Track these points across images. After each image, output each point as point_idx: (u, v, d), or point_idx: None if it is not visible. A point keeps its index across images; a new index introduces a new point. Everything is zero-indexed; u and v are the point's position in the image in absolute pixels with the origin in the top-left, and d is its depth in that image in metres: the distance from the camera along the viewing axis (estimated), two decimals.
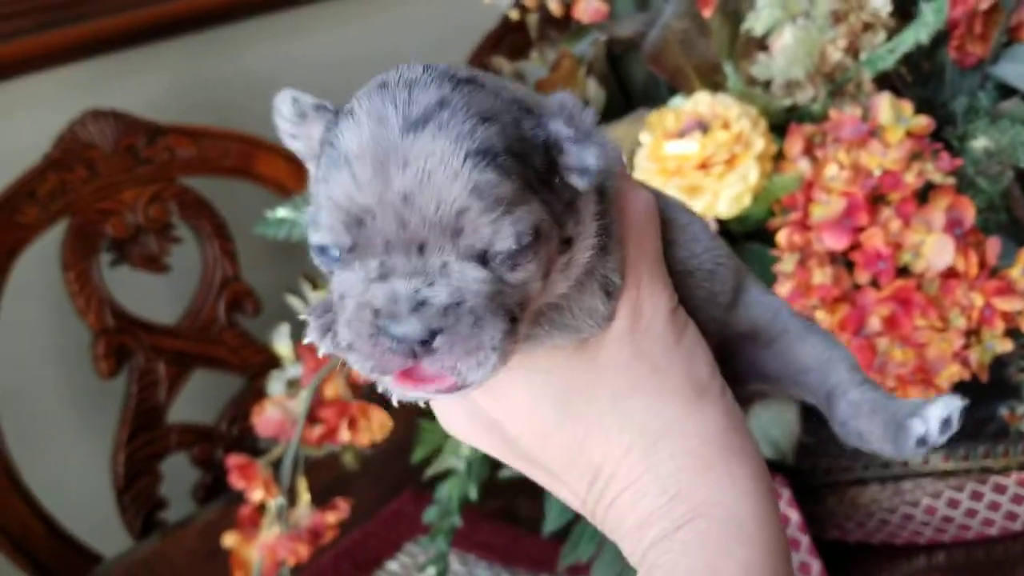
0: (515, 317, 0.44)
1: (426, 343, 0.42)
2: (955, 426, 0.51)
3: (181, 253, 1.43)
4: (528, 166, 0.44)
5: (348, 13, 1.62)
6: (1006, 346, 0.91)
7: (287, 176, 1.46)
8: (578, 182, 0.46)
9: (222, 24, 1.49)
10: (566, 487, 0.54)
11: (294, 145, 0.49)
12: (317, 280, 1.14)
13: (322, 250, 0.44)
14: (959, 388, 0.93)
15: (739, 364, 0.59)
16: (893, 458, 1.07)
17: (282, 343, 1.11)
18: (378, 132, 0.42)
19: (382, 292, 0.42)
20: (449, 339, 0.42)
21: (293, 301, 1.15)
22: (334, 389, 1.03)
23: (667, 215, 0.56)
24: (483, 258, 0.43)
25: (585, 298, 0.50)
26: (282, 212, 1.01)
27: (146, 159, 1.39)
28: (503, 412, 0.53)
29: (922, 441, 0.51)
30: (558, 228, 0.45)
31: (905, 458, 0.54)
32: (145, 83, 1.46)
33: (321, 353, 0.51)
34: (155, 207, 1.40)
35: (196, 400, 1.44)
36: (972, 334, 0.91)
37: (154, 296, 1.44)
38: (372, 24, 1.66)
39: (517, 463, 0.56)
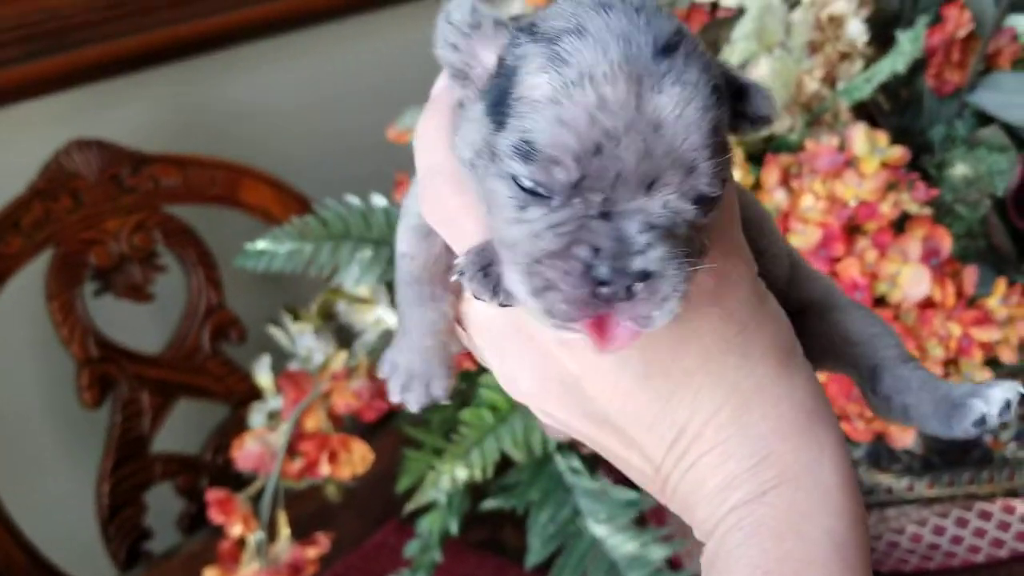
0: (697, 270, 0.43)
1: (631, 289, 0.41)
2: (1013, 411, 0.50)
3: (166, 282, 1.43)
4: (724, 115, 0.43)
5: (331, 40, 1.63)
6: (985, 376, 0.90)
7: (273, 203, 1.45)
8: (747, 128, 0.46)
9: (206, 52, 1.49)
10: (639, 452, 0.51)
11: (450, 57, 0.46)
12: (298, 311, 1.14)
13: (523, 183, 0.42)
14: None
15: None
16: (946, 432, 1.07)
17: (263, 375, 1.11)
18: (627, 51, 0.40)
19: (606, 232, 0.41)
20: (653, 291, 0.41)
21: (275, 332, 1.15)
22: (315, 421, 1.03)
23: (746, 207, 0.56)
24: (698, 200, 0.42)
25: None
26: (262, 244, 1.01)
27: (131, 188, 1.39)
28: (585, 366, 0.50)
29: (981, 421, 0.51)
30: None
31: (958, 437, 0.54)
32: (130, 112, 1.46)
33: (415, 409, 0.50)
34: (139, 236, 1.40)
35: (181, 429, 1.44)
36: (951, 364, 0.91)
37: (138, 325, 1.44)
38: (356, 51, 1.66)
39: (587, 427, 0.53)
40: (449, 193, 0.50)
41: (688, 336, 0.49)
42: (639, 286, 0.41)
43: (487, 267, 0.45)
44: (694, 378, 0.49)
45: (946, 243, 0.89)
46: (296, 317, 1.12)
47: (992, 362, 0.91)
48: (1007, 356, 0.90)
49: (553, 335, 0.46)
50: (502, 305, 0.45)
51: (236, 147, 1.49)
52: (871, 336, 0.57)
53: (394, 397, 0.55)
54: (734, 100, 0.45)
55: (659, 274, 0.41)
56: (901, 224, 0.91)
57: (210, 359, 1.45)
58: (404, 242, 0.56)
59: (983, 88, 0.99)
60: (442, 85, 0.55)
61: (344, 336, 1.10)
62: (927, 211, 0.89)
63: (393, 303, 1.06)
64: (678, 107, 0.40)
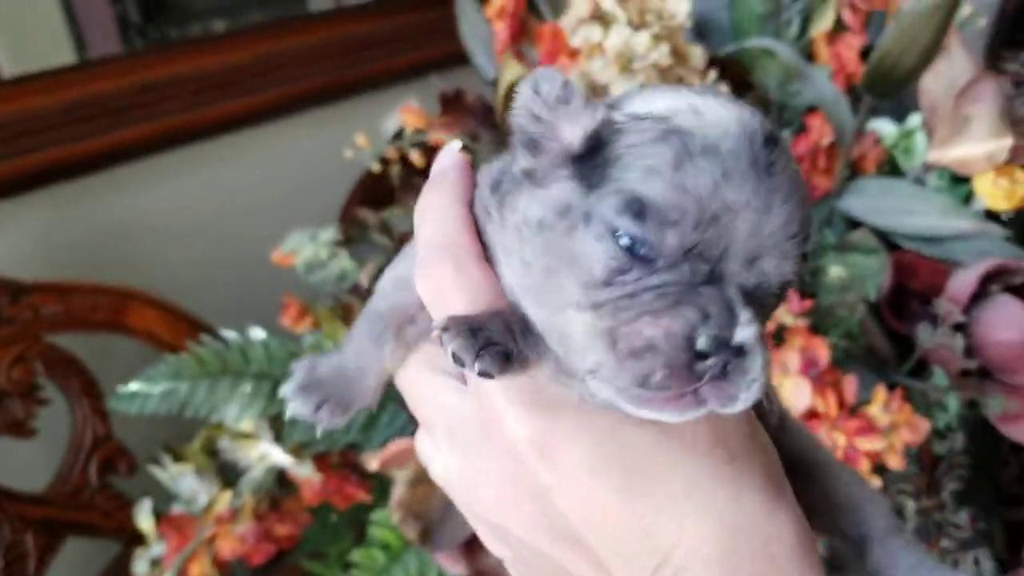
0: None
1: (726, 367, 0.40)
2: None
3: (49, 415, 1.36)
4: None
5: (214, 158, 1.60)
6: (875, 483, 0.90)
7: (160, 327, 1.41)
8: None
9: (82, 175, 1.46)
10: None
11: (530, 127, 0.45)
12: (180, 449, 1.10)
13: (634, 246, 0.41)
14: None
15: None
16: None
17: (144, 519, 1.06)
18: (745, 132, 0.41)
19: (714, 298, 0.40)
20: (741, 371, 0.40)
21: (156, 472, 1.11)
22: (200, 568, 0.98)
23: None
24: (783, 287, 0.43)
25: None
26: (135, 386, 0.97)
27: (9, 319, 1.33)
28: (559, 478, 0.46)
29: None
30: None
31: None
32: (6, 239, 1.42)
33: (469, 366, 0.45)
34: (19, 369, 1.34)
35: (69, 570, 1.36)
36: None
37: (20, 462, 1.37)
38: (235, 169, 1.64)
39: (555, 546, 0.49)
40: (448, 271, 0.48)
41: (676, 458, 0.46)
42: (733, 363, 0.40)
43: (476, 330, 0.43)
44: (679, 505, 0.46)
45: (823, 353, 0.89)
46: (176, 457, 1.07)
47: (880, 468, 0.91)
48: (894, 463, 0.90)
49: (631, 409, 0.42)
50: (482, 374, 0.42)
51: (119, 270, 1.45)
52: (861, 502, 0.54)
53: (298, 410, 0.52)
54: None
55: (753, 353, 0.40)
56: (779, 335, 0.91)
57: (98, 494, 1.38)
58: (385, 281, 0.55)
59: (850, 194, 1.01)
60: (451, 160, 0.52)
61: (229, 473, 1.06)
62: (803, 322, 0.89)
63: (277, 438, 1.03)
64: (787, 193, 0.41)
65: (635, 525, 0.46)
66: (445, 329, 0.43)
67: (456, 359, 0.42)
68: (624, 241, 0.41)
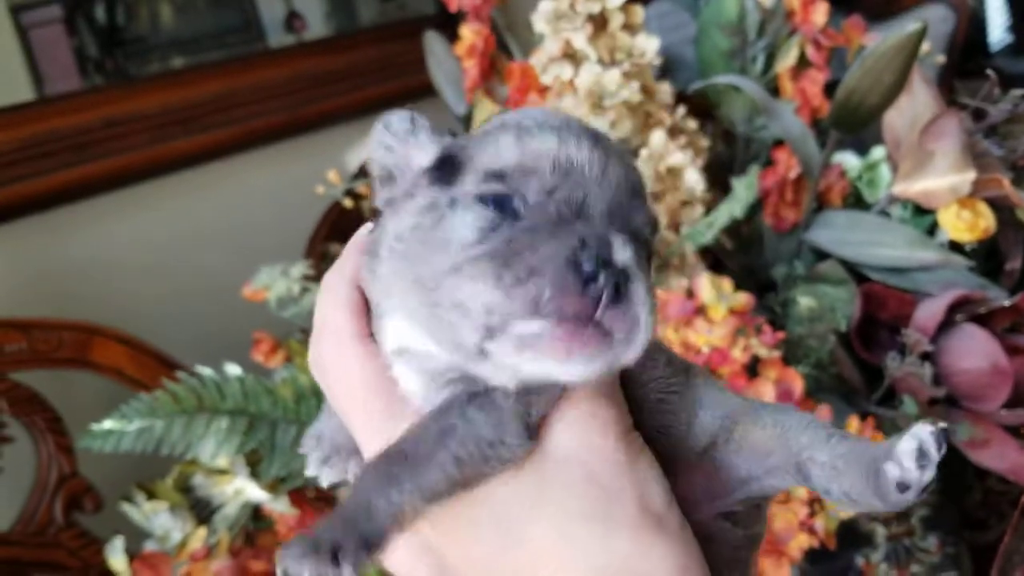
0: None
1: (616, 294, 0.41)
2: (934, 455, 0.46)
3: (13, 453, 1.34)
4: None
5: (178, 192, 1.59)
6: (849, 513, 0.92)
7: (126, 363, 1.39)
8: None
9: (49, 209, 1.44)
10: None
11: (384, 158, 0.48)
12: (152, 486, 1.09)
13: (484, 200, 0.43)
14: (811, 552, 0.94)
15: (716, 482, 0.54)
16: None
17: (116, 558, 1.04)
18: (565, 120, 0.46)
19: (586, 228, 0.42)
20: (633, 297, 0.41)
21: (128, 509, 1.09)
22: None
23: None
24: (644, 244, 0.46)
25: (513, 426, 0.46)
26: (109, 423, 0.96)
27: None
28: (442, 536, 0.48)
29: (903, 486, 0.46)
30: None
31: (896, 509, 0.49)
32: None
33: (326, 484, 0.50)
34: None
35: None
36: (815, 502, 0.92)
37: None
38: (199, 204, 1.63)
39: None
40: (329, 351, 0.51)
41: (547, 500, 0.46)
42: (624, 287, 0.41)
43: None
44: (554, 547, 0.46)
45: (798, 384, 0.91)
46: (150, 495, 1.06)
47: None
48: None
49: (537, 364, 0.42)
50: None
51: (83, 306, 1.44)
52: (781, 434, 0.52)
53: (310, 470, 0.53)
54: None
55: (636, 277, 0.42)
56: (754, 367, 0.92)
57: (64, 532, 1.35)
58: None
59: (817, 226, 1.03)
60: (353, 241, 0.54)
61: (203, 510, 1.05)
62: (776, 354, 0.91)
63: (252, 474, 1.02)
64: (618, 157, 0.45)
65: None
66: (284, 570, 0.42)
67: None
68: (490, 202, 0.44)
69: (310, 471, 0.54)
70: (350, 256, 0.52)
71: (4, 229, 1.42)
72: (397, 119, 0.48)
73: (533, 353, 0.41)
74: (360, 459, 0.55)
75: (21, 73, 1.48)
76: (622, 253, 0.42)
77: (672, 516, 0.49)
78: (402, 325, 0.48)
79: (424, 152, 0.47)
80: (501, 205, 0.43)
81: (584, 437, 0.47)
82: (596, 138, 0.46)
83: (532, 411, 0.47)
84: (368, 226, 0.52)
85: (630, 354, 0.42)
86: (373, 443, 0.49)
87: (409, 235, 0.46)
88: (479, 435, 0.45)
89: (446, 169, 0.46)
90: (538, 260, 0.41)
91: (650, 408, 0.53)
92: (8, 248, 1.44)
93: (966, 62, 2.01)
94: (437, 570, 0.50)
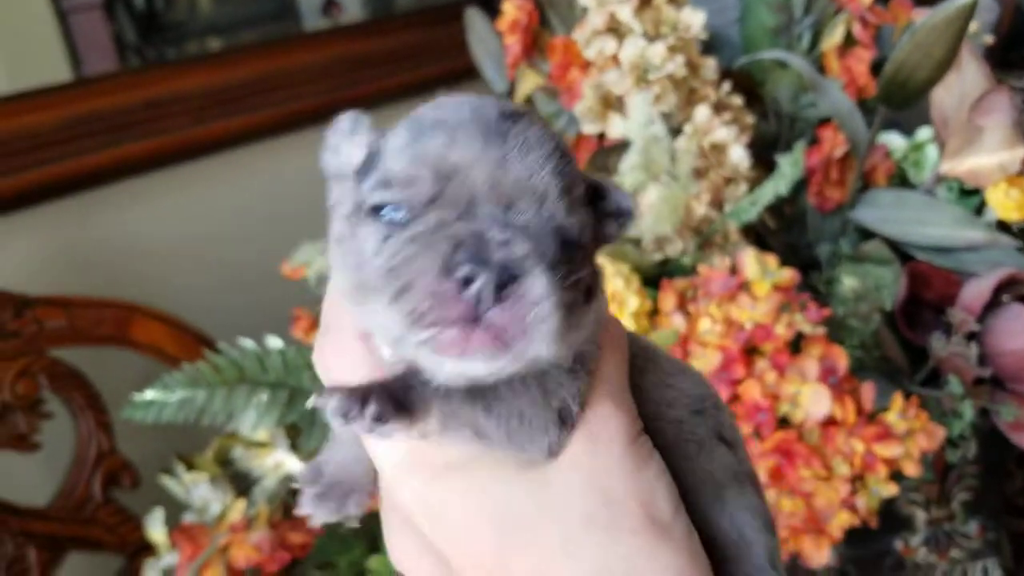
0: (560, 307, 0.42)
1: (500, 291, 0.40)
2: None
3: (52, 429, 1.35)
4: (582, 193, 0.46)
5: (218, 173, 1.61)
6: (891, 490, 0.91)
7: (166, 341, 1.40)
8: (612, 228, 0.48)
9: (89, 189, 1.46)
10: None
11: (330, 160, 0.49)
12: (192, 458, 1.09)
13: (379, 210, 0.44)
14: (849, 535, 0.93)
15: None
16: None
17: (156, 529, 1.05)
18: (475, 112, 0.45)
19: (467, 228, 0.42)
20: (520, 293, 0.41)
21: (168, 483, 1.10)
22: None
23: (643, 349, 0.54)
24: (558, 235, 0.44)
25: (546, 414, 0.46)
26: (151, 394, 0.97)
27: (12, 333, 1.32)
28: (441, 536, 0.47)
29: None
30: (590, 263, 0.46)
31: None
32: (10, 253, 1.41)
33: (319, 523, 0.49)
34: (23, 382, 1.33)
35: None
36: (857, 480, 0.91)
37: (24, 477, 1.36)
38: (243, 184, 1.64)
39: None
40: (331, 350, 0.50)
41: (548, 505, 0.46)
42: (511, 289, 0.40)
43: (322, 483, 0.47)
44: (553, 554, 0.45)
45: (842, 361, 0.90)
46: (190, 466, 1.06)
47: (897, 475, 0.92)
48: (911, 470, 0.91)
49: (436, 362, 0.43)
50: (376, 420, 0.43)
51: (125, 285, 1.45)
52: (740, 538, 0.52)
53: (303, 508, 0.51)
54: (595, 200, 0.48)
55: (527, 275, 0.41)
56: (797, 344, 0.92)
57: (101, 508, 1.37)
58: None
59: (862, 205, 1.02)
60: None
61: (242, 483, 1.05)
62: (821, 330, 0.90)
63: (292, 447, 1.02)
64: (523, 150, 0.43)
65: None
66: (318, 396, 0.44)
67: (344, 416, 0.43)
68: (382, 213, 0.44)
69: (303, 509, 0.52)
70: None
71: (45, 209, 1.43)
72: (344, 120, 0.49)
73: (433, 359, 0.42)
74: (361, 497, 0.55)
75: (61, 58, 1.50)
76: (506, 250, 0.41)
77: (679, 524, 0.48)
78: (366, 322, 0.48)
79: (359, 148, 0.48)
80: (390, 216, 0.44)
81: (590, 442, 0.47)
82: (500, 133, 0.44)
83: (571, 403, 0.47)
84: None
85: (536, 348, 0.42)
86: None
87: (336, 244, 0.47)
88: (512, 402, 0.45)
89: (365, 167, 0.47)
90: (412, 273, 0.41)
91: (669, 419, 0.53)
92: (49, 227, 1.46)
93: (1008, 53, 1.98)
94: (440, 568, 0.49)
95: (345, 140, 0.49)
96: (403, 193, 0.43)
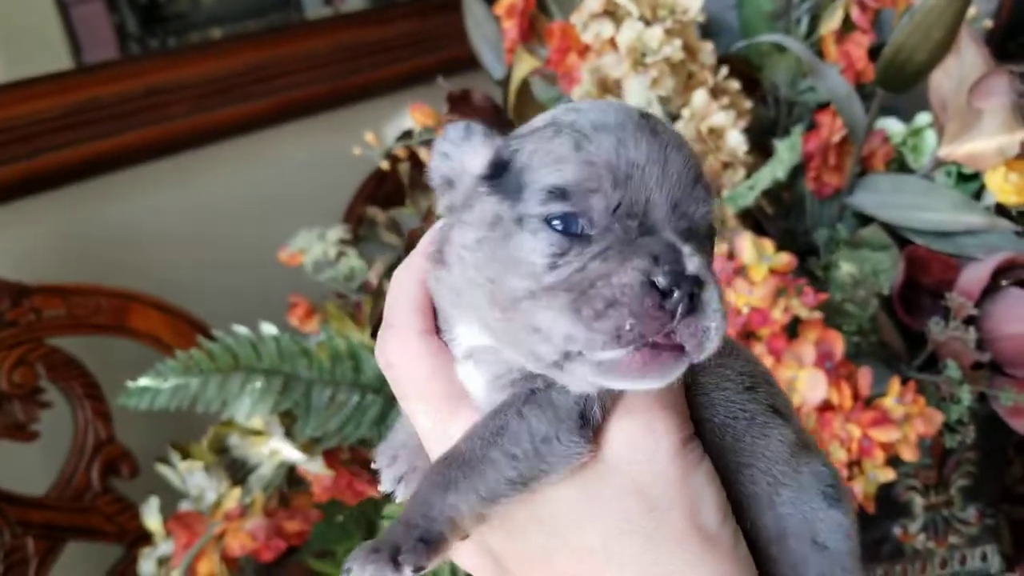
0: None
1: (692, 300, 0.41)
2: None
3: (50, 418, 1.35)
4: None
5: (218, 161, 1.60)
6: (888, 475, 0.90)
7: (163, 330, 1.40)
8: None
9: (86, 178, 1.45)
10: None
11: (441, 165, 0.49)
12: (188, 447, 1.09)
13: (566, 222, 0.43)
14: None
15: None
16: None
17: (152, 518, 1.05)
18: (620, 112, 0.45)
19: (654, 242, 0.42)
20: (705, 301, 0.42)
21: (164, 471, 1.10)
22: (208, 566, 0.98)
23: None
24: (709, 233, 0.46)
25: (569, 424, 0.46)
26: (145, 381, 0.96)
27: (10, 321, 1.32)
28: (495, 534, 0.49)
29: None
30: None
31: None
32: (7, 242, 1.41)
33: (399, 498, 0.50)
34: (21, 371, 1.33)
35: (71, 574, 1.35)
36: (854, 465, 0.90)
37: (22, 466, 1.36)
38: (242, 173, 1.64)
39: None
40: (393, 347, 0.51)
41: (591, 510, 0.46)
42: (697, 296, 0.41)
43: (377, 549, 0.44)
44: (595, 558, 0.46)
45: (838, 346, 0.90)
46: (185, 454, 1.06)
47: (894, 461, 0.91)
48: (908, 455, 0.90)
49: (612, 382, 0.43)
50: (417, 571, 0.44)
51: (122, 273, 1.44)
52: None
53: (385, 486, 0.54)
54: None
55: (709, 283, 0.42)
56: (794, 328, 0.91)
57: (100, 497, 1.37)
58: None
59: (860, 190, 1.02)
60: (426, 237, 0.55)
61: (238, 471, 1.05)
62: (817, 315, 0.90)
63: (287, 434, 1.02)
64: (676, 145, 0.45)
65: None
66: (348, 570, 0.44)
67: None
68: (557, 224, 0.43)
69: (384, 487, 0.55)
70: (418, 255, 0.53)
71: (45, 197, 1.43)
72: (452, 128, 0.49)
73: (612, 375, 0.42)
74: None
75: (63, 49, 1.49)
76: (692, 261, 0.42)
77: (725, 532, 0.48)
78: (473, 330, 0.49)
79: (478, 156, 0.48)
80: (567, 225, 0.43)
81: (638, 448, 0.47)
82: (653, 130, 0.45)
83: (593, 408, 0.47)
84: (437, 226, 0.53)
85: (700, 358, 0.43)
86: (434, 440, 0.50)
87: (476, 247, 0.46)
88: (533, 431, 0.45)
89: (501, 175, 0.46)
90: (614, 291, 0.41)
91: (712, 428, 0.52)
92: (49, 215, 1.46)
93: (1007, 41, 1.97)
94: (496, 568, 0.51)
95: (457, 147, 0.49)
96: (584, 202, 0.43)
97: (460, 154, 0.48)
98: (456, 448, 0.47)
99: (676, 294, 0.41)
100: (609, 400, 0.47)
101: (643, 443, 0.47)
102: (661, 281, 0.41)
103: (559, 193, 0.43)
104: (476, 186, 0.47)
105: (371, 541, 0.45)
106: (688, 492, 0.47)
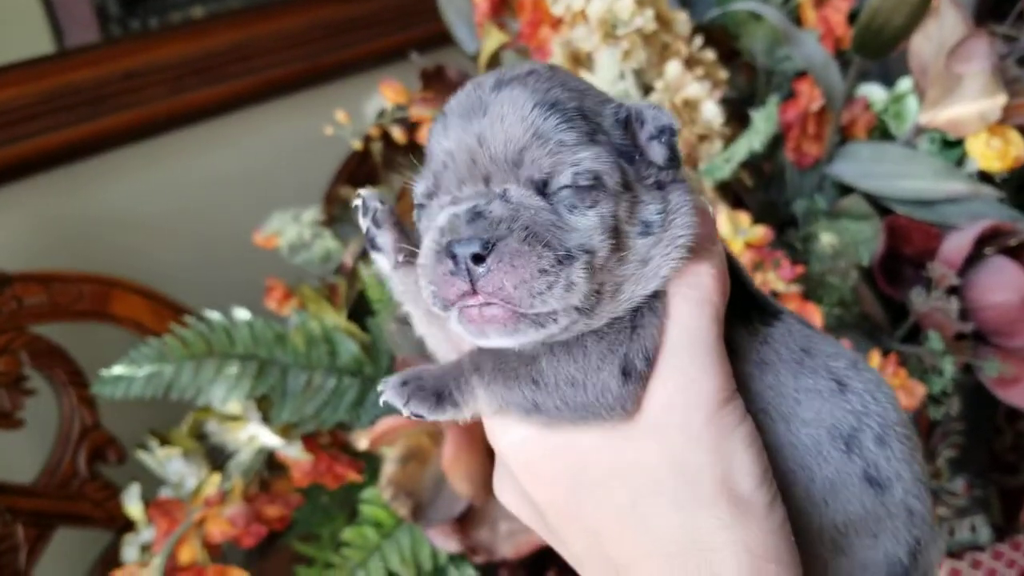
0: (572, 256, 0.44)
1: (480, 259, 0.44)
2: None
3: (35, 405, 1.35)
4: (601, 130, 0.47)
5: (191, 145, 1.58)
6: None
7: (145, 315, 1.39)
8: (658, 150, 0.49)
9: (66, 164, 1.44)
10: (589, 572, 0.51)
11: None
12: (166, 433, 1.08)
13: (418, 206, 0.50)
14: None
15: None
16: None
17: (133, 505, 1.04)
18: (472, 92, 0.49)
19: (446, 214, 0.46)
20: (501, 256, 0.43)
21: (144, 457, 1.09)
22: (190, 552, 0.97)
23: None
24: (542, 189, 0.46)
25: (602, 375, 0.46)
26: (119, 369, 0.95)
27: None
28: (528, 484, 0.51)
29: None
30: (631, 195, 0.47)
31: None
32: None
33: (407, 413, 0.50)
34: (5, 359, 1.32)
35: (61, 561, 1.35)
36: None
37: (9, 454, 1.35)
38: (217, 155, 1.62)
39: (550, 539, 0.54)
40: None
41: (622, 471, 0.47)
42: (493, 256, 0.43)
43: (406, 381, 0.50)
44: (623, 517, 0.47)
45: (817, 318, 0.88)
46: (163, 441, 1.05)
47: None
48: None
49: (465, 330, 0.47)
50: (415, 416, 0.50)
51: (103, 258, 1.43)
52: None
53: (398, 404, 0.52)
54: (632, 126, 0.49)
55: (505, 242, 0.43)
56: None
57: (88, 483, 1.36)
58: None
59: (840, 159, 1.00)
60: None
61: (218, 456, 1.05)
62: (795, 288, 0.88)
63: (264, 419, 1.01)
64: (497, 122, 0.46)
65: (590, 534, 0.48)
66: (381, 392, 0.51)
67: (393, 406, 0.50)
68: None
69: (398, 404, 0.52)
70: None
71: (24, 183, 1.42)
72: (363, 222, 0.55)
73: (459, 326, 0.47)
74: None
75: (43, 32, 1.48)
76: (474, 225, 0.44)
77: (759, 497, 0.47)
78: None
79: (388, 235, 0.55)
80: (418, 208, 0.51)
81: (675, 410, 0.47)
82: (483, 107, 0.47)
83: (635, 360, 0.47)
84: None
85: (536, 310, 0.44)
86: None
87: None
88: (558, 368, 0.47)
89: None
90: (423, 260, 0.46)
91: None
92: (28, 202, 1.44)
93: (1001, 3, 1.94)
94: (537, 519, 0.53)
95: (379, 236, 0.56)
96: (420, 190, 0.49)
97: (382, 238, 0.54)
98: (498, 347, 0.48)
99: (455, 259, 0.44)
100: (653, 350, 0.47)
101: (680, 406, 0.47)
102: (448, 251, 0.44)
103: (426, 174, 0.49)
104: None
105: (406, 372, 0.51)
106: (721, 457, 0.46)
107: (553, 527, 0.51)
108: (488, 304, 0.44)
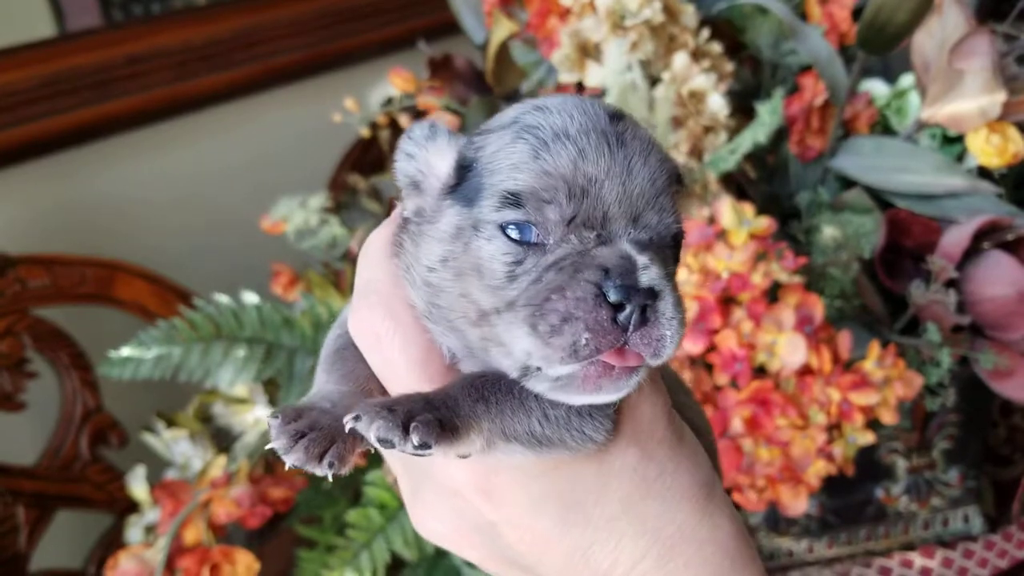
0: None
1: (645, 312, 0.42)
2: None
3: (38, 388, 1.35)
4: None
5: (197, 130, 1.59)
6: (868, 438, 0.91)
7: (149, 298, 1.40)
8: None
9: (70, 147, 1.44)
10: None
11: (405, 166, 0.49)
12: (173, 415, 1.09)
13: (522, 230, 0.44)
14: (830, 484, 0.94)
15: None
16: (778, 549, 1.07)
17: (138, 486, 1.05)
18: (587, 115, 0.44)
19: (608, 254, 0.43)
20: (664, 310, 0.42)
21: (150, 439, 1.10)
22: (195, 533, 0.98)
23: None
24: (674, 238, 0.46)
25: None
26: (127, 350, 0.96)
27: None
28: (502, 515, 0.49)
29: None
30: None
31: None
32: None
33: (289, 464, 0.44)
34: (7, 342, 1.32)
35: (62, 542, 1.35)
36: (834, 429, 0.91)
37: (10, 436, 1.36)
38: (226, 141, 1.62)
39: (507, 571, 0.52)
40: (379, 315, 0.49)
41: (609, 481, 0.48)
42: (651, 307, 0.42)
43: (392, 409, 0.42)
44: (616, 525, 0.48)
45: (818, 310, 0.90)
46: (170, 423, 1.06)
47: (874, 424, 0.92)
48: (887, 418, 0.90)
49: (569, 397, 0.45)
50: (421, 447, 0.41)
51: (106, 242, 1.44)
52: None
53: (272, 439, 0.46)
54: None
55: (665, 293, 0.42)
56: (774, 293, 0.91)
57: (89, 466, 1.37)
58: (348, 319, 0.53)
59: (843, 153, 1.01)
60: (395, 217, 0.54)
61: (223, 439, 1.06)
62: (797, 279, 0.89)
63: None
64: (643, 156, 0.44)
65: (576, 552, 0.49)
66: (357, 418, 0.42)
67: (382, 441, 0.41)
68: (512, 232, 0.44)
69: (272, 442, 0.46)
70: (387, 226, 0.52)
71: (27, 167, 1.42)
72: (418, 128, 0.49)
73: (568, 391, 0.44)
74: (342, 446, 0.47)
75: (45, 14, 1.48)
76: (647, 273, 0.42)
77: (718, 485, 0.52)
78: (450, 340, 0.48)
79: (442, 157, 0.48)
80: (521, 233, 0.44)
81: (643, 420, 0.49)
82: (620, 138, 0.44)
83: None
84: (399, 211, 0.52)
85: (656, 363, 0.44)
86: None
87: (441, 267, 0.46)
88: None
89: (465, 177, 0.46)
90: (568, 305, 0.42)
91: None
92: (31, 186, 1.45)
93: (1001, 3, 1.95)
94: (489, 547, 0.51)
95: (421, 147, 0.48)
96: (538, 211, 0.43)
97: (425, 155, 0.48)
98: (502, 376, 0.46)
99: (628, 308, 0.42)
100: None
101: (646, 415, 0.49)
102: (613, 295, 0.41)
103: (513, 200, 0.43)
104: (441, 198, 0.47)
105: (383, 399, 0.44)
106: (686, 453, 0.50)
107: (524, 557, 0.50)
108: (625, 357, 0.43)
